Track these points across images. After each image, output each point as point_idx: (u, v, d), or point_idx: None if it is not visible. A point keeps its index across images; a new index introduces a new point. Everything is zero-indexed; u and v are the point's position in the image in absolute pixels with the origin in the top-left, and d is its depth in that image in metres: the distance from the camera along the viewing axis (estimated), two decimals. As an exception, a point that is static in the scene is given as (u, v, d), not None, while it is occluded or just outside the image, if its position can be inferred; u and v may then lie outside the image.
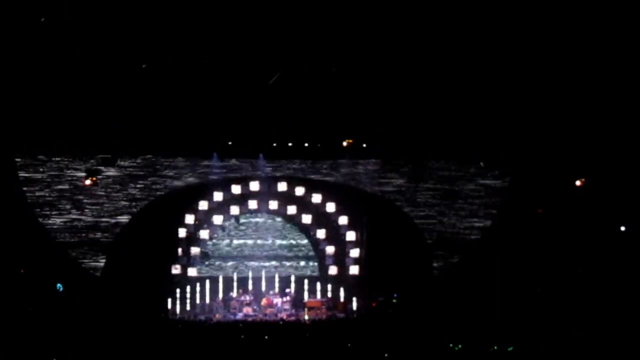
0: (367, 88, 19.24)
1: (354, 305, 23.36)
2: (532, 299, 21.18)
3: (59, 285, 21.41)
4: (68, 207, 22.38)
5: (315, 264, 24.08)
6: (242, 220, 23.81)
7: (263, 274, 23.74)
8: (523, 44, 17.42)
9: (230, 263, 23.71)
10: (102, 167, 21.74)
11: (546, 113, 20.21)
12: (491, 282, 21.92)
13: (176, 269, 23.06)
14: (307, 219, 23.94)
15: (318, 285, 23.80)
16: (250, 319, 21.95)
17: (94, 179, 21.36)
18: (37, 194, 22.21)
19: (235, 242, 23.80)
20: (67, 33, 16.67)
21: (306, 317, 22.16)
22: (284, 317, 22.30)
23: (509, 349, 15.67)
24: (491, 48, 17.60)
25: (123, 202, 22.62)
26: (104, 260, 22.27)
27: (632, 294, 19.92)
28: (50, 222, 22.26)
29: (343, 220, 24.07)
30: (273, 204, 23.76)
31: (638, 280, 20.59)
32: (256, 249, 23.80)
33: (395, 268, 22.80)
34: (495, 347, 15.80)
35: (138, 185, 22.75)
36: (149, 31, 16.82)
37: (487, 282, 21.96)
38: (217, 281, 23.46)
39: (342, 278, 23.87)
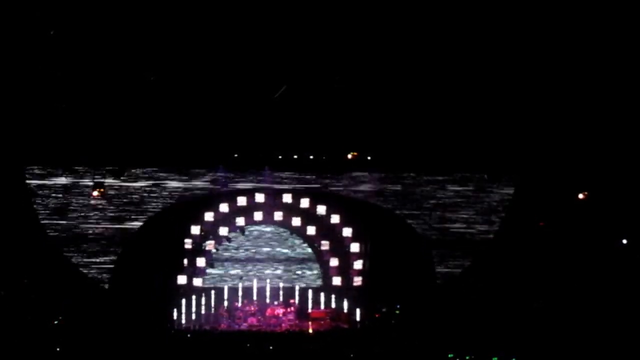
0: (372, 100, 19.39)
1: (358, 316, 23.45)
2: (534, 311, 21.26)
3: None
4: (75, 217, 22.54)
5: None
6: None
7: (268, 284, 23.92)
8: (525, 61, 17.59)
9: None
10: (109, 179, 21.93)
11: (549, 126, 20.34)
12: (493, 294, 22.02)
13: (182, 280, 23.21)
14: (311, 230, 24.13)
15: (322, 296, 23.95)
16: (254, 329, 22.09)
17: (102, 190, 21.56)
18: (44, 204, 22.39)
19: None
20: (75, 46, 16.88)
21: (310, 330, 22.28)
22: (288, 327, 22.42)
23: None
24: (494, 64, 17.77)
25: (129, 214, 22.79)
26: (110, 271, 22.44)
27: (633, 307, 19.99)
28: (56, 232, 22.42)
29: (347, 232, 24.23)
30: (278, 215, 23.95)
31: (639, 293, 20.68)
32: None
33: (398, 279, 22.91)
34: (497, 359, 15.92)
35: (144, 197, 22.91)
36: (157, 44, 17.01)
37: (489, 295, 22.07)
38: (222, 291, 23.62)
39: (346, 289, 24.01)
